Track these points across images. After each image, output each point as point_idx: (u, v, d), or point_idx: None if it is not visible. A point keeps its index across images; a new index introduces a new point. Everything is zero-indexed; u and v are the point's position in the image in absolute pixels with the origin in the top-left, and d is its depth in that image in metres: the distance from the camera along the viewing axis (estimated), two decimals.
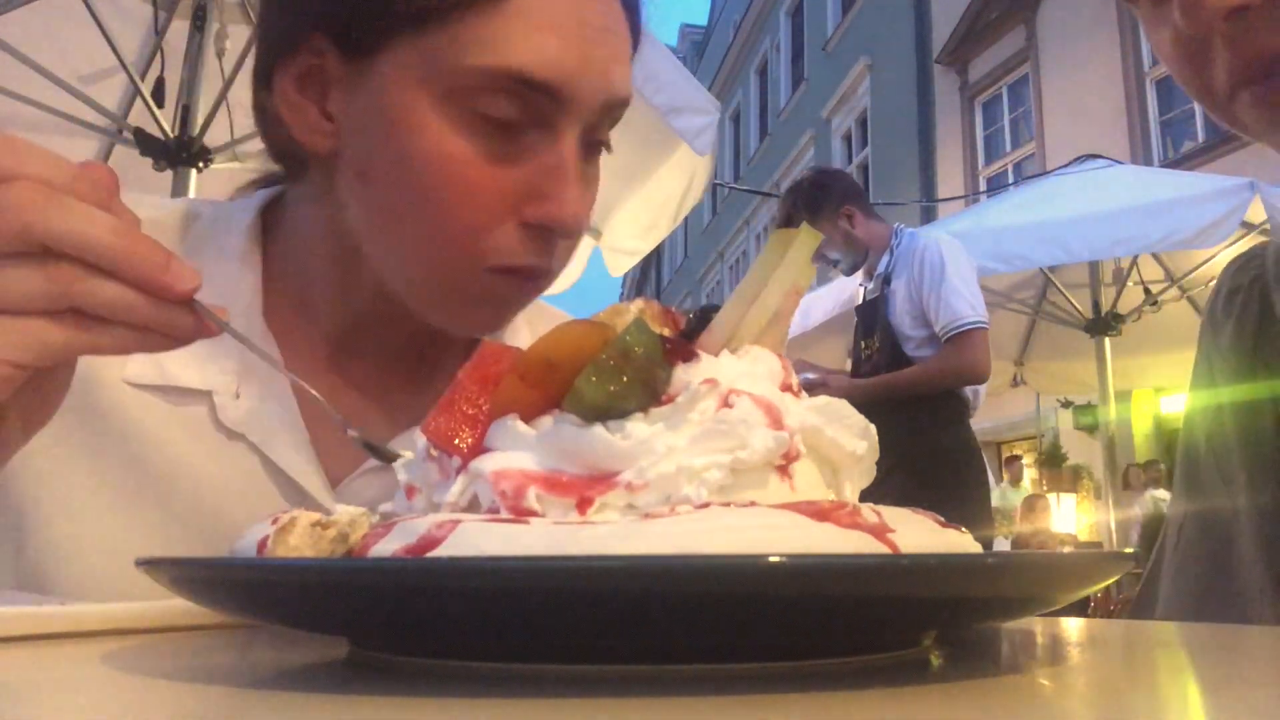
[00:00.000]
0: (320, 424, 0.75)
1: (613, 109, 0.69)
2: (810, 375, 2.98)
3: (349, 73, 0.68)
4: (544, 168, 0.66)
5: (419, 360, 0.81)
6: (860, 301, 3.19)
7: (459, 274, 0.68)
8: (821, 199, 2.98)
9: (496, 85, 0.64)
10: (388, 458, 0.54)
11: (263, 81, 0.72)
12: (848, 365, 3.39)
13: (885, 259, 3.01)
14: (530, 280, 0.70)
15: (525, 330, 0.85)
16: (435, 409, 0.44)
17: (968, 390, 2.95)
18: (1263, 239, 0.93)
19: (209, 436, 0.73)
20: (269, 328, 0.75)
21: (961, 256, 2.94)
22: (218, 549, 0.71)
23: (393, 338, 0.78)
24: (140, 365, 0.72)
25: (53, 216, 0.46)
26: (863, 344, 3.09)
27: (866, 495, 0.44)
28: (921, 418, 2.81)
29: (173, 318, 0.50)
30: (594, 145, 0.71)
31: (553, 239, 0.68)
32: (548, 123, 0.66)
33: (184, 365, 0.72)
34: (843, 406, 0.44)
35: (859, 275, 3.20)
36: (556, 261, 0.70)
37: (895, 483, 2.58)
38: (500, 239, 0.67)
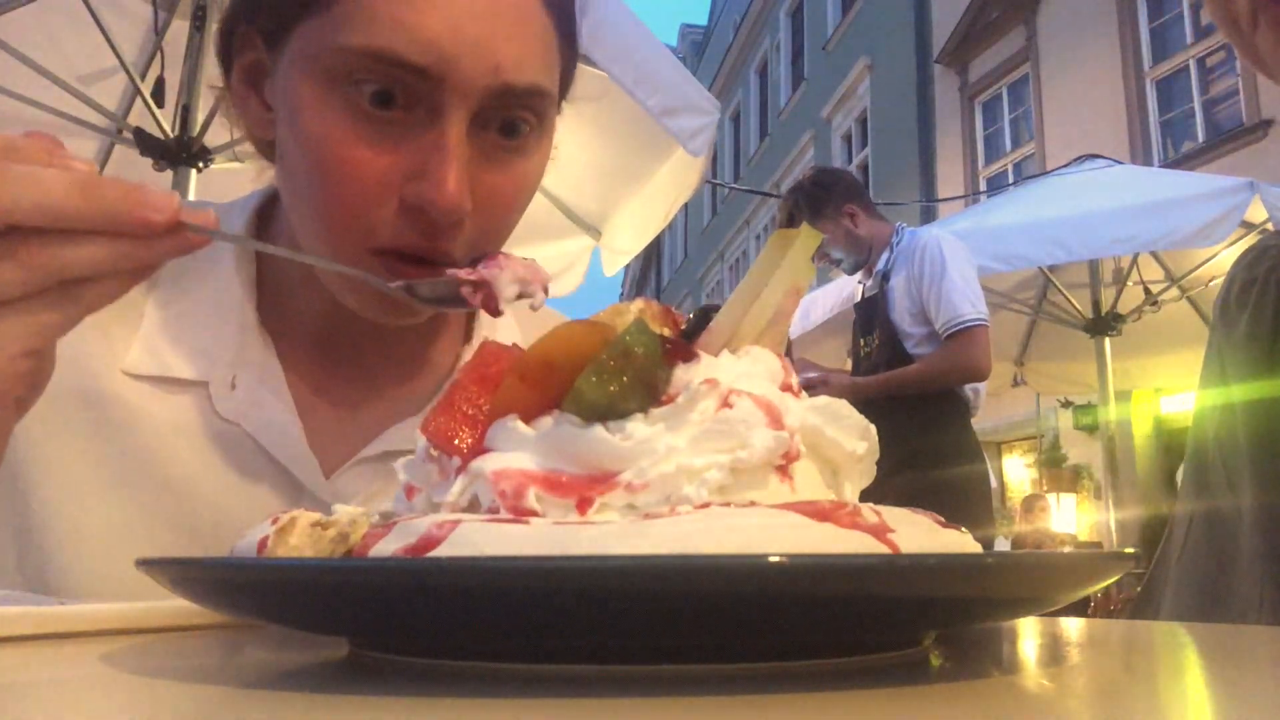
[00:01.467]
0: (314, 414, 0.76)
1: (507, 94, 0.67)
2: (811, 374, 2.98)
3: (272, 61, 0.70)
4: (424, 149, 0.65)
5: (413, 352, 0.82)
6: (859, 299, 3.19)
7: (345, 257, 0.67)
8: (824, 199, 2.98)
9: (369, 66, 0.64)
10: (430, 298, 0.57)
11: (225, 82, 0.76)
12: (848, 365, 3.39)
13: (885, 256, 3.01)
14: (417, 265, 0.68)
15: (516, 329, 0.86)
16: (435, 409, 0.44)
17: (968, 390, 2.94)
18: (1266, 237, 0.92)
19: (205, 426, 0.74)
20: (262, 325, 0.76)
21: (962, 254, 2.94)
22: (213, 537, 0.72)
23: (381, 330, 0.79)
24: (138, 356, 0.73)
25: (5, 193, 0.44)
26: (862, 341, 3.08)
27: (867, 495, 0.44)
28: (922, 417, 2.80)
29: (156, 248, 0.48)
30: (509, 125, 0.69)
31: (433, 221, 0.66)
32: (429, 104, 0.65)
33: (181, 356, 0.74)
34: (843, 406, 0.44)
35: (858, 273, 3.20)
36: (455, 247, 0.68)
37: (895, 483, 2.57)
38: (380, 220, 0.66)
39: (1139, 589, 0.94)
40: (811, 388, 2.62)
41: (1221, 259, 4.33)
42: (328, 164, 0.66)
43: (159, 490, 0.72)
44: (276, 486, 0.74)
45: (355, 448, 0.76)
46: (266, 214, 0.80)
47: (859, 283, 3.23)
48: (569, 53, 0.75)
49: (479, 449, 0.42)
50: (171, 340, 0.74)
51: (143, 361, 0.73)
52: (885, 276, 2.97)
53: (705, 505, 0.37)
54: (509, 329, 0.85)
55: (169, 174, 2.75)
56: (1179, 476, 0.95)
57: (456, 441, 0.42)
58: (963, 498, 2.82)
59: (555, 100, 0.73)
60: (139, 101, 2.78)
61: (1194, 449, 0.91)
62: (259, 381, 0.75)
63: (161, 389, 0.73)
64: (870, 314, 3.04)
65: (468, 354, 0.82)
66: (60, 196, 0.45)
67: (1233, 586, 0.82)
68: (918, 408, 2.81)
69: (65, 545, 0.71)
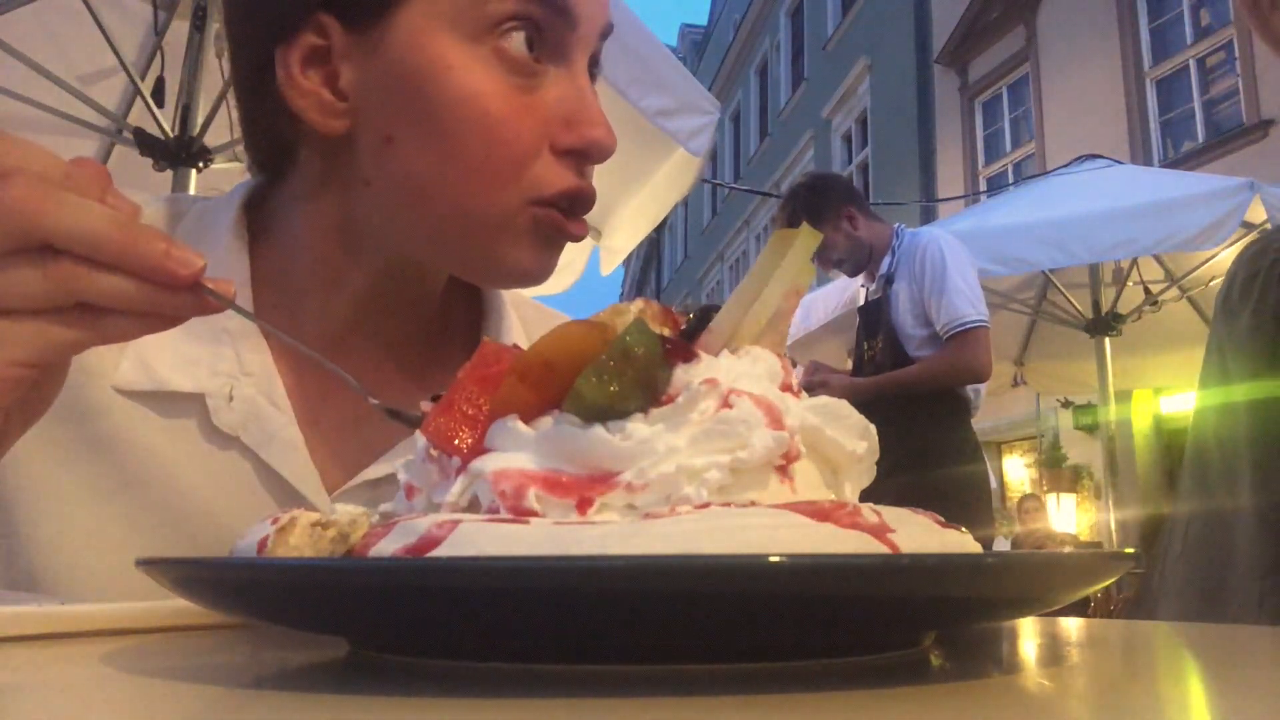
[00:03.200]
0: (316, 429, 0.74)
1: (607, 32, 0.72)
2: (815, 376, 2.99)
3: (357, 44, 0.67)
4: (566, 96, 0.68)
5: (417, 355, 0.81)
6: (862, 302, 3.20)
7: (506, 211, 0.68)
8: (820, 203, 2.99)
9: (516, 15, 0.66)
10: (415, 423, 0.53)
11: (252, 79, 0.71)
12: (848, 365, 3.39)
13: (887, 260, 3.01)
14: (572, 215, 0.70)
15: (519, 329, 0.85)
16: (435, 409, 0.44)
17: (969, 390, 2.95)
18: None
19: (202, 440, 0.71)
20: (259, 327, 0.74)
21: (963, 255, 2.94)
22: (212, 554, 0.71)
23: (388, 333, 0.78)
24: (129, 372, 0.71)
25: (51, 213, 0.46)
26: (865, 345, 3.09)
27: (866, 495, 0.44)
28: (922, 418, 2.81)
29: (177, 302, 0.50)
30: (592, 74, 0.73)
31: (586, 164, 0.69)
32: (561, 52, 0.69)
33: (175, 369, 0.71)
34: (843, 406, 0.44)
35: (860, 276, 3.20)
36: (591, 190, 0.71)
37: (895, 483, 2.57)
38: (539, 169, 0.68)
39: (1137, 588, 0.94)
40: (811, 389, 2.62)
41: (1221, 259, 4.33)
42: (486, 120, 0.66)
43: (154, 507, 0.70)
44: (277, 502, 0.72)
45: (360, 463, 0.74)
46: (254, 218, 0.77)
47: (861, 286, 3.24)
48: None
49: (479, 449, 0.42)
50: (164, 352, 0.71)
51: (134, 377, 0.71)
52: (888, 280, 2.98)
53: (705, 505, 0.37)
54: (512, 331, 0.84)
55: (169, 174, 2.75)
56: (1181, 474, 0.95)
57: (456, 442, 0.42)
58: (963, 498, 2.82)
59: None
60: (139, 101, 2.78)
61: (1194, 446, 0.91)
62: (258, 392, 0.72)
63: (155, 403, 0.71)
64: (874, 317, 3.05)
65: None
66: (103, 230, 0.46)
67: (1232, 586, 0.82)
68: (918, 408, 2.81)
69: (57, 564, 0.69)
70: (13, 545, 0.70)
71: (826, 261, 3.13)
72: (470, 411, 0.43)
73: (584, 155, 0.68)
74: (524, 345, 0.79)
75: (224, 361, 0.72)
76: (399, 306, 0.76)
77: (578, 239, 0.72)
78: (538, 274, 0.73)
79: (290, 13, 0.69)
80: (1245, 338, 0.85)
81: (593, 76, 0.73)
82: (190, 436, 0.71)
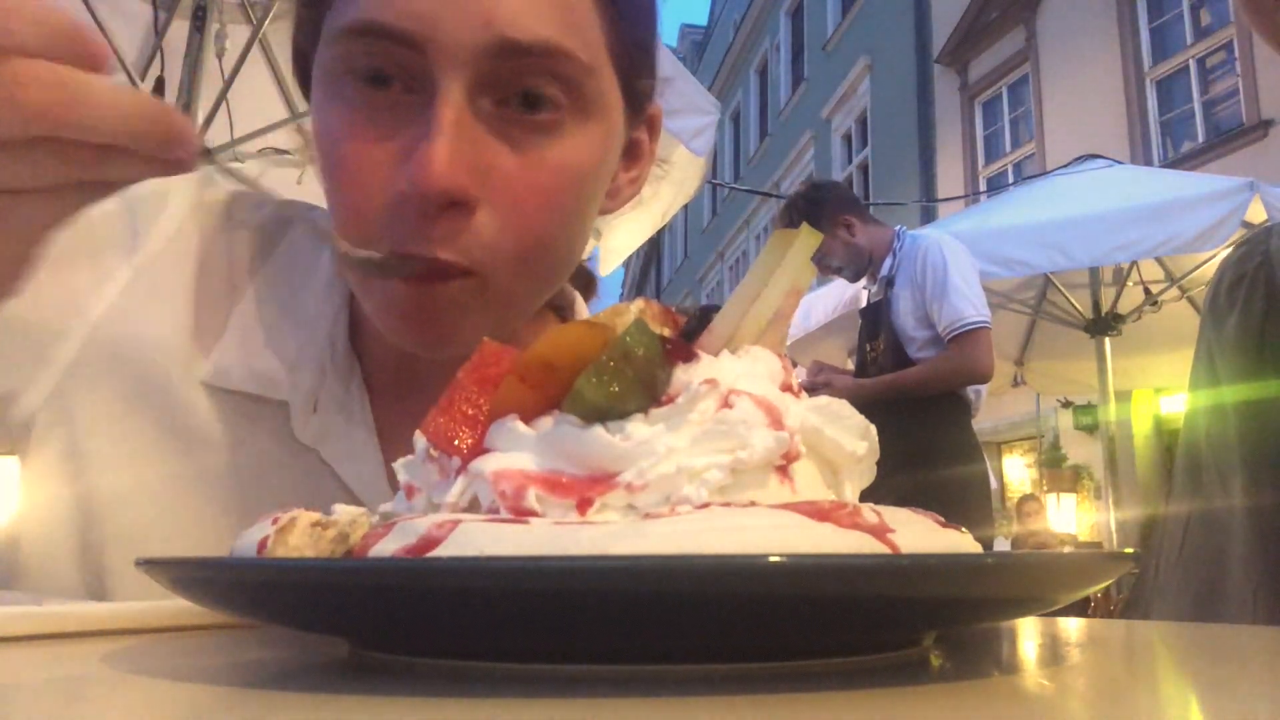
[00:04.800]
0: (395, 448, 0.70)
1: (508, 51, 0.58)
2: (818, 376, 3.00)
3: None
4: (419, 128, 0.58)
5: None
6: (864, 304, 3.20)
7: (361, 267, 0.61)
8: (817, 212, 3.00)
9: (357, 46, 0.59)
10: None
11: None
12: (849, 365, 3.40)
13: (888, 262, 3.02)
14: (427, 280, 0.59)
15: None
16: (435, 409, 0.44)
17: (969, 391, 2.96)
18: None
19: (281, 446, 0.70)
20: (353, 349, 0.72)
21: (963, 256, 2.95)
22: None
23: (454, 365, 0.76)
24: (217, 368, 0.70)
25: (73, 119, 0.41)
26: (868, 346, 3.10)
27: (866, 495, 0.44)
28: (923, 418, 2.81)
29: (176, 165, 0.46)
30: (530, 97, 0.60)
31: (421, 210, 0.58)
32: (425, 79, 0.58)
33: (262, 373, 0.70)
34: (843, 406, 0.44)
35: (862, 278, 3.21)
36: (454, 249, 0.59)
37: (895, 483, 2.58)
38: (376, 218, 0.59)
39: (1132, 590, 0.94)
40: (813, 390, 2.63)
41: (1221, 259, 4.33)
42: (332, 160, 0.61)
43: (226, 508, 0.69)
44: None
45: None
46: None
47: (864, 288, 3.25)
48: (628, 25, 0.65)
49: (479, 449, 0.42)
50: (254, 354, 0.70)
51: (222, 374, 0.69)
52: (890, 282, 2.99)
53: (705, 505, 0.37)
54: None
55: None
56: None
57: (456, 442, 0.42)
58: (963, 498, 2.83)
59: (596, 71, 0.62)
60: None
61: (1185, 448, 0.91)
62: (342, 407, 0.70)
63: (238, 404, 0.70)
64: (875, 319, 3.05)
65: None
66: (118, 121, 0.42)
67: (1225, 585, 0.82)
68: (918, 408, 2.82)
69: (124, 551, 0.68)
70: (88, 530, 0.69)
71: (826, 269, 3.14)
72: (470, 411, 0.43)
73: (408, 200, 0.57)
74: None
75: (311, 371, 0.69)
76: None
77: (434, 294, 0.60)
78: (410, 336, 0.63)
79: (303, 49, 0.67)
80: (1233, 340, 0.85)
81: (532, 105, 0.60)
82: (271, 441, 0.70)
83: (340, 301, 0.72)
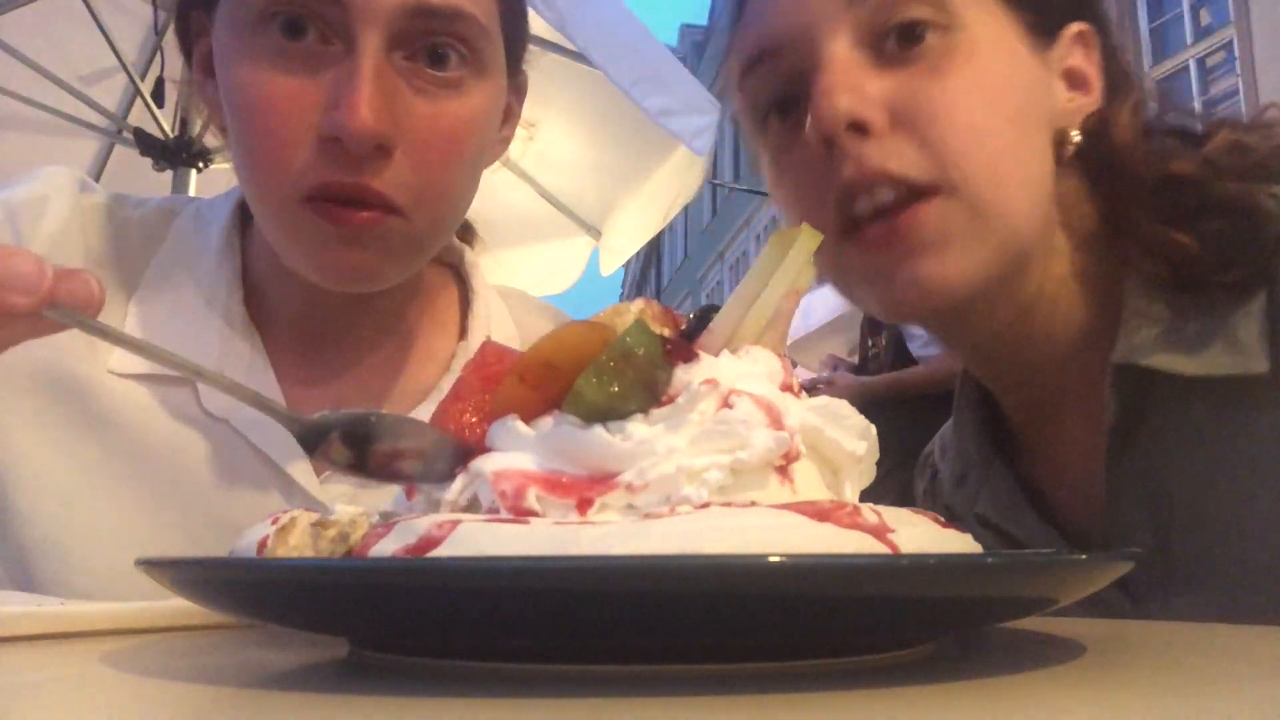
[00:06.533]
0: (303, 409, 0.74)
1: (423, 12, 0.65)
2: (822, 374, 3.00)
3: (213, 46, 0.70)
4: (339, 79, 0.63)
5: (403, 344, 0.81)
6: None
7: (280, 209, 0.66)
8: None
9: (276, 2, 0.64)
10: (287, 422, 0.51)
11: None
12: (852, 362, 3.40)
13: None
14: (345, 207, 0.65)
15: (511, 324, 0.85)
16: (436, 409, 0.44)
17: None
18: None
19: (193, 422, 0.73)
20: (250, 318, 0.76)
21: None
22: (205, 535, 0.71)
23: (361, 328, 0.78)
24: (123, 356, 0.73)
25: None
26: (870, 342, 3.11)
27: (867, 495, 0.44)
28: (923, 418, 2.81)
29: (14, 330, 0.49)
30: (436, 55, 0.67)
31: (349, 151, 0.63)
32: (344, 32, 0.64)
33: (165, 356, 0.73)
34: (842, 407, 0.44)
35: None
36: (382, 184, 0.65)
37: (895, 483, 2.57)
38: (301, 159, 0.64)
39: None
40: (813, 389, 2.63)
41: None
42: (249, 108, 0.65)
43: (148, 489, 0.72)
44: (268, 483, 0.73)
45: None
46: (248, 209, 0.79)
47: None
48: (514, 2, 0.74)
49: (479, 449, 0.42)
50: (156, 338, 0.73)
51: (128, 360, 0.73)
52: None
53: (705, 505, 0.37)
54: (503, 323, 0.84)
55: (169, 174, 2.75)
56: None
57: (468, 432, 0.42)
58: None
59: (492, 36, 0.70)
60: (139, 101, 2.78)
61: None
62: (246, 376, 0.73)
63: (148, 387, 0.73)
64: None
65: (463, 351, 0.81)
66: None
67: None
68: (919, 408, 2.81)
69: (49, 544, 0.71)
70: (8, 520, 0.71)
71: None
72: (470, 411, 0.43)
73: (337, 142, 0.63)
74: (501, 336, 0.80)
75: (212, 346, 0.74)
76: (355, 304, 0.76)
77: (362, 230, 0.66)
78: (335, 273, 0.69)
79: (188, 11, 0.72)
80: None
81: (438, 61, 0.66)
82: (182, 418, 0.73)
83: (232, 275, 0.76)
